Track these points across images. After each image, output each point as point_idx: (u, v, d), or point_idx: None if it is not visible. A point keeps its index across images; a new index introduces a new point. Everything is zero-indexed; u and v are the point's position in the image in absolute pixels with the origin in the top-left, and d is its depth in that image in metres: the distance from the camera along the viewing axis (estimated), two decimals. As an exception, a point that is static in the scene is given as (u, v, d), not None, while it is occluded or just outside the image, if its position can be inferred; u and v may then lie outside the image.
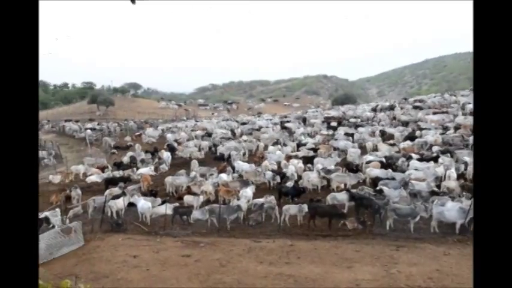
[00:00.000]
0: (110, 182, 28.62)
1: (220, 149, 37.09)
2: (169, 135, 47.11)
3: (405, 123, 42.81)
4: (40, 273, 5.17)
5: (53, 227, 20.39)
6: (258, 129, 46.91)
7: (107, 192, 25.44)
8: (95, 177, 31.72)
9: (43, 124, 68.35)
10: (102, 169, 34.04)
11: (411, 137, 35.32)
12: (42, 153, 42.91)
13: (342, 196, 22.50)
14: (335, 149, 33.92)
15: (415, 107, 51.57)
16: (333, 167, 27.86)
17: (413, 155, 29.15)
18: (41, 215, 21.38)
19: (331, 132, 42.03)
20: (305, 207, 21.25)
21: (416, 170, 25.89)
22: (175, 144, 41.54)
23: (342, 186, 25.20)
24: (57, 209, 22.47)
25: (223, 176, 27.51)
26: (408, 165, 27.46)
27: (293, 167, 28.27)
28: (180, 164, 34.67)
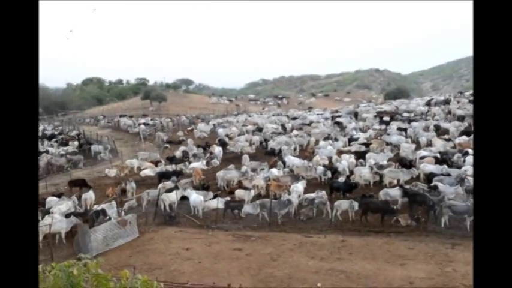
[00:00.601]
0: (163, 176, 29.18)
1: (271, 144, 37.14)
2: (220, 130, 47.48)
3: (461, 118, 41.53)
4: (99, 263, 5.30)
5: (109, 219, 20.97)
6: (309, 124, 46.61)
7: (160, 185, 25.95)
8: (148, 171, 32.41)
9: (99, 119, 70.23)
10: (156, 163, 34.71)
11: (467, 132, 34.22)
12: (98, 148, 44.16)
13: (395, 192, 22.11)
14: (388, 144, 33.31)
15: (472, 101, 49.94)
16: (385, 163, 27.42)
17: (469, 150, 28.25)
18: (98, 208, 22.05)
19: (383, 127, 41.27)
20: (356, 203, 21.04)
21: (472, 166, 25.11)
22: (227, 139, 41.85)
23: (395, 182, 24.75)
24: (113, 202, 23.09)
25: (274, 171, 27.55)
26: (464, 161, 26.67)
27: (345, 162, 27.99)
28: (231, 158, 34.95)
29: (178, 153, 37.70)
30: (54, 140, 51.05)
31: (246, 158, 32.52)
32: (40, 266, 5.30)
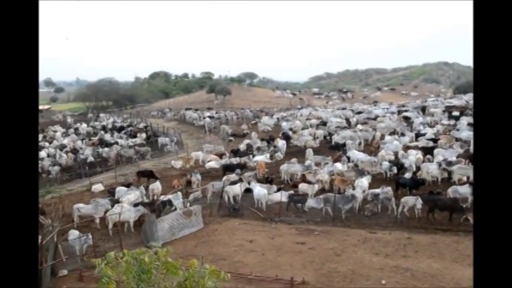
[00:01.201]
0: (228, 169, 29.55)
1: (336, 138, 36.77)
2: (284, 124, 47.48)
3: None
4: (169, 252, 5.43)
5: (175, 209, 21.46)
6: (374, 119, 45.78)
7: (225, 178, 26.28)
8: (213, 164, 32.90)
9: (165, 112, 71.94)
10: (220, 156, 35.19)
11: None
12: (165, 140, 45.31)
13: (465, 189, 21.35)
14: (457, 139, 32.19)
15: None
16: (454, 159, 26.52)
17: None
18: (165, 198, 22.62)
19: (452, 122, 39.90)
20: (420, 200, 20.48)
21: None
22: (290, 133, 41.78)
23: (464, 179, 23.87)
24: (179, 193, 23.60)
25: (338, 165, 27.27)
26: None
27: (412, 158, 27.31)
28: (295, 152, 34.87)
29: (242, 146, 38.04)
30: (123, 132, 52.83)
31: (309, 152, 32.36)
32: (112, 253, 5.51)
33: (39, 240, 16.89)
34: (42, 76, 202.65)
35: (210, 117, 59.34)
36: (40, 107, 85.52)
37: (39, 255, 16.02)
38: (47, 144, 47.13)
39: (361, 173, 25.42)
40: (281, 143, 36.72)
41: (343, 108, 60.81)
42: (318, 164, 28.89)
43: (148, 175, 29.78)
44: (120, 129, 54.55)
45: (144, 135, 49.22)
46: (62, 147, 44.57)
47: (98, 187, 28.72)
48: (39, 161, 37.70)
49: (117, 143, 44.88)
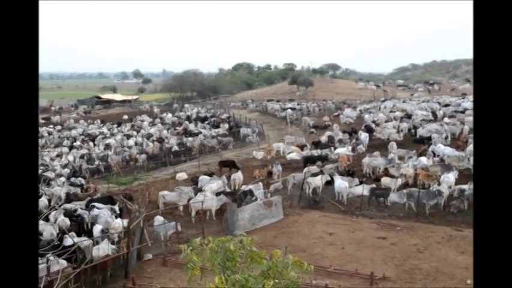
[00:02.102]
0: (309, 160, 29.46)
1: (420, 132, 35.65)
2: (367, 116, 46.64)
3: None
4: (254, 241, 5.52)
5: (256, 199, 21.74)
6: (463, 112, 43.81)
7: (306, 169, 26.25)
8: (294, 155, 32.95)
9: (248, 103, 72.77)
10: (301, 147, 35.15)
11: None
12: (247, 131, 45.94)
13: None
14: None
15: None
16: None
17: None
18: (246, 188, 22.97)
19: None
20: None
21: None
22: (373, 125, 41.00)
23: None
24: (260, 183, 23.89)
25: (423, 160, 26.42)
26: None
27: (503, 154, 25.92)
28: (378, 145, 34.16)
29: (323, 138, 37.81)
30: (206, 122, 54.11)
31: (393, 145, 31.60)
32: (198, 239, 5.68)
33: (128, 224, 17.78)
34: (131, 68, 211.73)
35: (291, 108, 59.35)
36: (129, 97, 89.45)
37: (127, 240, 16.87)
38: (134, 133, 49.27)
39: (447, 168, 24.50)
40: (363, 136, 36.10)
41: (429, 101, 58.76)
42: (401, 158, 28.19)
43: (230, 165, 30.32)
44: (203, 120, 55.90)
45: (226, 125, 50.17)
46: (148, 136, 46.38)
47: (181, 175, 29.62)
48: (128, 149, 39.54)
49: (200, 133, 46.04)
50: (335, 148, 33.70)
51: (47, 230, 17.82)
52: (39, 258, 13.64)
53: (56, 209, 19.33)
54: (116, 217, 19.75)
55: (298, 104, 65.33)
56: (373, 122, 43.28)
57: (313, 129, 45.23)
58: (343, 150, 31.79)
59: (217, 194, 22.54)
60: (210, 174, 27.09)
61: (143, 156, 36.56)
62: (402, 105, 54.79)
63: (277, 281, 4.96)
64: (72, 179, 28.53)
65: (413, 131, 37.77)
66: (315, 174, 24.50)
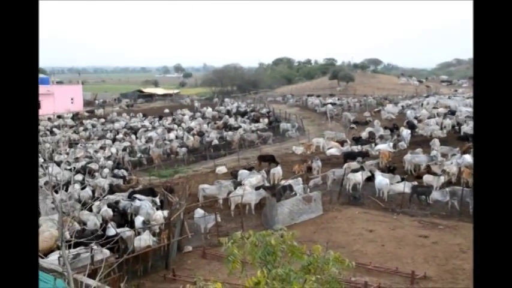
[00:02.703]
0: (349, 156, 29.19)
1: (465, 129, 34.82)
2: (409, 112, 45.91)
3: None
4: (294, 236, 5.52)
5: (295, 194, 21.69)
6: (509, 109, 42.59)
7: (346, 165, 26.00)
8: (334, 151, 32.70)
9: (288, 98, 72.58)
10: (342, 143, 34.87)
11: None
12: (286, 125, 45.89)
13: None
14: None
15: None
16: None
17: None
18: (285, 183, 22.95)
19: None
20: None
21: None
22: (416, 122, 40.35)
23: None
24: (299, 178, 23.82)
25: (467, 157, 25.75)
26: None
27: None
28: (420, 142, 33.54)
29: (364, 134, 37.43)
30: (246, 116, 54.23)
31: (435, 142, 30.99)
32: (239, 233, 5.70)
33: (168, 216, 18.04)
34: (172, 62, 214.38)
35: (332, 103, 58.96)
36: (170, 92, 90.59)
37: (168, 231, 17.11)
38: (175, 126, 49.84)
39: (492, 166, 23.82)
40: (405, 132, 35.52)
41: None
42: (444, 155, 27.64)
43: (269, 159, 30.35)
44: (243, 114, 56.07)
45: (266, 120, 50.18)
46: (189, 129, 46.86)
47: (221, 169, 29.83)
48: (169, 142, 40.07)
49: (240, 127, 46.21)
50: (376, 144, 33.32)
51: (91, 220, 18.28)
52: (84, 247, 14.02)
53: (100, 200, 19.78)
54: (157, 209, 20.06)
55: (338, 99, 64.81)
56: (416, 118, 42.62)
57: (353, 125, 44.87)
58: (384, 147, 31.37)
59: (257, 188, 22.60)
60: (250, 169, 27.17)
61: (184, 149, 36.96)
62: (446, 101, 53.73)
63: (319, 276, 4.93)
64: (115, 171, 29.09)
65: (457, 127, 37.00)
66: (355, 170, 24.26)
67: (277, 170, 26.14)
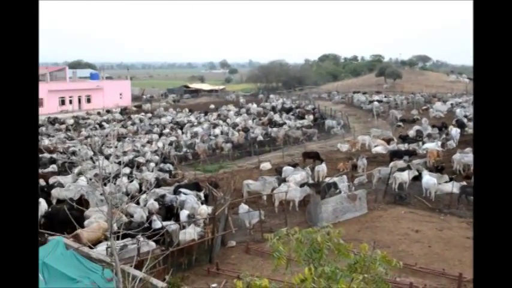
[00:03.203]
0: (395, 155, 28.72)
1: (517, 128, 33.67)
2: (458, 111, 44.88)
3: None
4: (341, 233, 5.48)
5: (340, 192, 21.49)
6: None
7: (392, 164, 25.61)
8: (380, 149, 32.27)
9: (333, 95, 72.09)
10: (388, 141, 34.35)
11: None
12: (332, 122, 45.59)
13: None
14: None
15: None
16: None
17: None
18: (330, 180, 22.78)
19: None
20: None
21: None
22: (465, 120, 39.35)
23: None
24: (344, 176, 23.59)
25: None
26: None
27: None
28: (470, 141, 32.53)
29: (411, 132, 36.81)
30: (291, 113, 54.17)
31: (486, 141, 30.08)
32: (284, 229, 5.70)
33: (213, 211, 18.23)
34: (218, 58, 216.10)
35: (378, 101, 58.21)
36: (216, 87, 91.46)
37: (212, 226, 17.30)
38: (220, 122, 50.28)
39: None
40: (454, 131, 34.67)
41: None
42: (495, 155, 26.76)
43: (313, 156, 30.22)
44: (288, 110, 56.02)
45: (311, 117, 49.99)
46: (234, 125, 47.21)
47: (266, 165, 29.88)
48: (214, 137, 40.47)
49: (285, 123, 46.18)
50: (423, 143, 32.67)
51: (138, 213, 18.67)
52: (131, 239, 14.33)
53: (147, 193, 20.17)
54: (202, 203, 20.30)
55: (385, 97, 63.98)
56: (465, 116, 41.61)
57: (400, 123, 44.15)
58: (432, 145, 30.70)
59: (301, 185, 22.52)
60: (294, 165, 27.11)
61: (229, 145, 37.25)
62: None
63: (365, 275, 4.88)
64: (162, 165, 29.61)
65: (509, 127, 35.77)
66: (401, 169, 23.83)
67: (322, 167, 25.97)
